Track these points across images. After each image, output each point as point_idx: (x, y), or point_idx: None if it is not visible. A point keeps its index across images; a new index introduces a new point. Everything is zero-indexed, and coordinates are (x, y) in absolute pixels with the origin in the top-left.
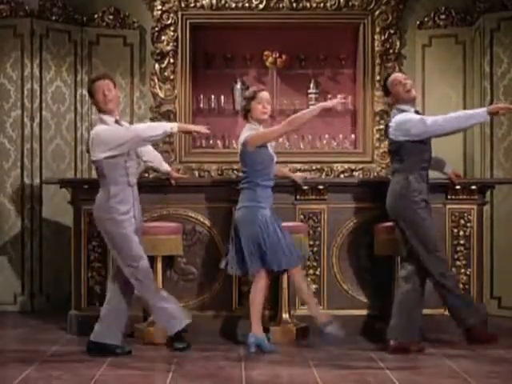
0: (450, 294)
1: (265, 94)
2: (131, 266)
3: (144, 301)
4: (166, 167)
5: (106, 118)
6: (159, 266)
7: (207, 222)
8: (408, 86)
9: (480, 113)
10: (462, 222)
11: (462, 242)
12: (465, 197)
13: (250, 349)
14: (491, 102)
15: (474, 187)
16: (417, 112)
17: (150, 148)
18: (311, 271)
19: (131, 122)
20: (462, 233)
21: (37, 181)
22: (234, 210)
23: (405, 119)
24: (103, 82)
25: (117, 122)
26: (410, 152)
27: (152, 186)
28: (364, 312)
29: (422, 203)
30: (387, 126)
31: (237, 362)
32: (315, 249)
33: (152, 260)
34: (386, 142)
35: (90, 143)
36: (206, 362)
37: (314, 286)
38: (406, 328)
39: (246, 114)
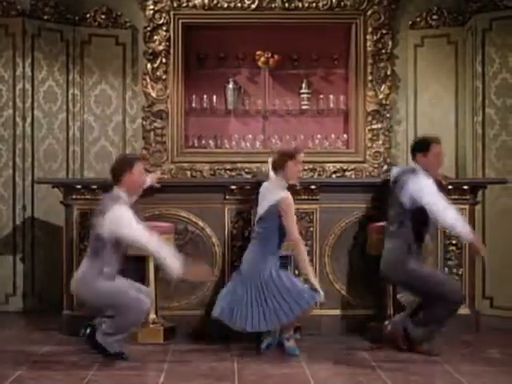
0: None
1: (301, 157)
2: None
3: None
4: (148, 181)
5: (125, 197)
6: (151, 265)
7: (199, 222)
8: (441, 163)
9: (468, 235)
10: None
11: (453, 241)
12: (457, 197)
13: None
14: (483, 102)
15: (465, 187)
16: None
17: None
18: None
19: (123, 122)
20: (453, 232)
21: (29, 180)
22: (226, 209)
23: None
24: (141, 163)
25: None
26: (414, 217)
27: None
28: (356, 312)
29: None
30: (395, 183)
31: (229, 361)
32: (308, 248)
33: (144, 260)
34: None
35: (104, 215)
36: (199, 362)
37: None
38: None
39: (277, 168)
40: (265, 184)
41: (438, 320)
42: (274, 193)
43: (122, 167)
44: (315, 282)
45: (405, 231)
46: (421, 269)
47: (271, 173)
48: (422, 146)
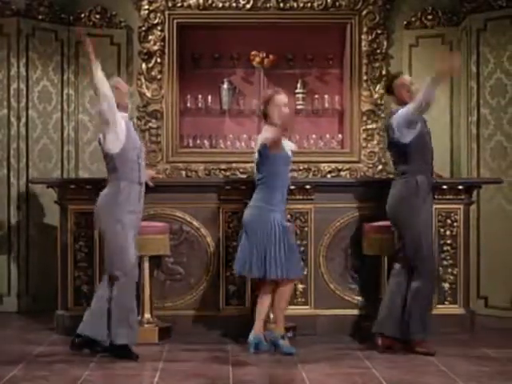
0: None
1: (281, 98)
2: (117, 277)
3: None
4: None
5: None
6: (146, 265)
7: (194, 222)
8: (413, 92)
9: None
10: (449, 221)
11: (448, 241)
12: (451, 196)
13: (251, 349)
14: (478, 102)
15: (460, 187)
16: None
17: None
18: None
19: None
20: (448, 232)
21: (23, 180)
22: (221, 209)
23: (402, 111)
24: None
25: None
26: (415, 152)
27: None
28: (351, 312)
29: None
30: (388, 128)
31: (224, 361)
32: (302, 248)
33: (139, 260)
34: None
35: (102, 136)
36: (194, 362)
37: (301, 286)
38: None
39: (265, 117)
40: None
41: (425, 304)
42: (260, 138)
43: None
44: None
45: (409, 168)
46: (417, 224)
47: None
48: (387, 87)
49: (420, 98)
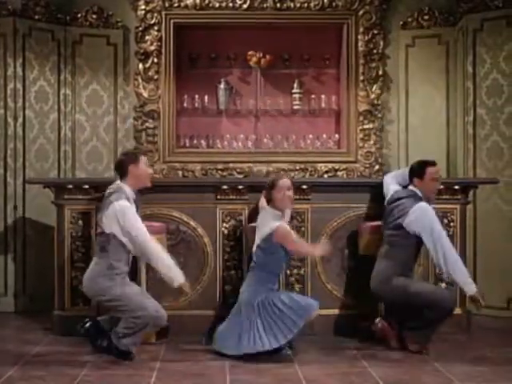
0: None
1: (284, 183)
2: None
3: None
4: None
5: (129, 192)
6: (143, 266)
7: (191, 222)
8: (438, 186)
9: (470, 287)
10: (446, 221)
11: None
12: (448, 196)
13: None
14: (474, 102)
15: (457, 187)
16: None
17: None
18: (295, 271)
19: (115, 122)
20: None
21: (20, 180)
22: (218, 209)
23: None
24: (144, 158)
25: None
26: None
27: None
28: (348, 312)
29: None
30: (394, 204)
31: (221, 361)
32: None
33: (136, 259)
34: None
35: (105, 210)
36: (190, 362)
37: (298, 286)
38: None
39: (268, 201)
40: (261, 213)
41: (432, 325)
42: (268, 223)
43: (127, 160)
44: None
45: (399, 253)
46: (408, 283)
47: (265, 204)
48: (418, 170)
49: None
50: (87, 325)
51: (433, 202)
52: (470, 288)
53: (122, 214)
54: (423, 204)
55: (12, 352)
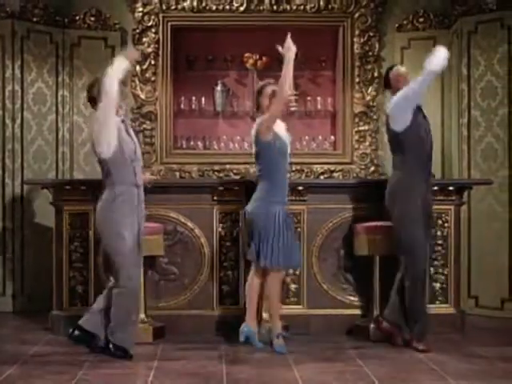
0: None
1: (272, 88)
2: (119, 287)
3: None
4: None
5: None
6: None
7: (188, 223)
8: (408, 81)
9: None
10: (440, 222)
11: (439, 241)
12: (442, 197)
13: (240, 337)
14: (468, 104)
15: (451, 188)
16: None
17: None
18: (291, 271)
19: None
20: (439, 233)
21: (18, 181)
22: (214, 210)
23: (394, 98)
24: None
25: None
26: (409, 144)
27: None
28: (344, 311)
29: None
30: (386, 117)
31: (218, 360)
32: None
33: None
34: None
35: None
36: (188, 361)
37: (293, 286)
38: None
39: (258, 108)
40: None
41: (419, 306)
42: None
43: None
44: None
45: (406, 160)
46: (410, 221)
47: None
48: (384, 80)
49: (411, 84)
50: (75, 333)
51: None
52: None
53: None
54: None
55: (10, 351)
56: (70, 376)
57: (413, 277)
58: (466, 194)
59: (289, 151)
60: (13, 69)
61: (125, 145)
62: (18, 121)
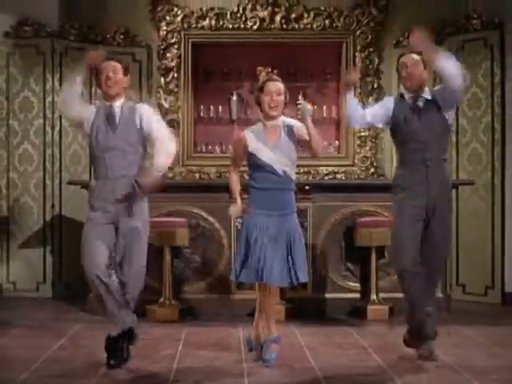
0: None
1: (273, 85)
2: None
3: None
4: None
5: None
6: (167, 255)
7: (209, 218)
8: (406, 73)
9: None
10: None
11: None
12: None
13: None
14: (457, 113)
15: None
16: (413, 98)
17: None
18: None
19: None
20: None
21: (57, 182)
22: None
23: None
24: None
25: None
26: (395, 141)
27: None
28: (345, 295)
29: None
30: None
31: (235, 334)
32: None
33: (161, 250)
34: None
35: None
36: (209, 335)
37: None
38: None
39: (259, 107)
40: None
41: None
42: None
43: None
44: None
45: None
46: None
47: None
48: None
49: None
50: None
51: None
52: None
53: None
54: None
55: (58, 328)
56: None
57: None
58: (454, 193)
59: (273, 169)
60: (52, 82)
61: (96, 136)
62: (57, 128)
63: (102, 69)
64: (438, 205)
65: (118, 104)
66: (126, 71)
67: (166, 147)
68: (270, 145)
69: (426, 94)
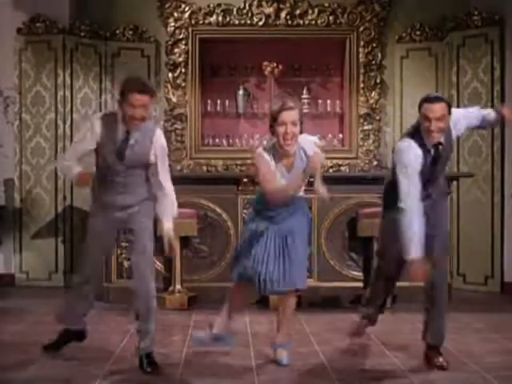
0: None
1: (288, 115)
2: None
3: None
4: (166, 226)
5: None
6: (177, 245)
7: (217, 209)
8: (432, 128)
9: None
10: None
11: None
12: None
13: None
14: (457, 107)
15: None
16: (434, 150)
17: (171, 196)
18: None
19: None
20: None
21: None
22: (239, 198)
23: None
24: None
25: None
26: None
27: (171, 178)
28: (348, 284)
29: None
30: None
31: (242, 320)
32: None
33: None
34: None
35: None
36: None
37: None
38: None
39: (273, 134)
40: None
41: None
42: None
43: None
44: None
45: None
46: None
47: None
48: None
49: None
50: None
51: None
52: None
53: None
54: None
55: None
56: (124, 328)
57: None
58: (455, 185)
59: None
60: (64, 77)
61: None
62: (68, 122)
63: (130, 104)
64: None
65: (134, 132)
66: (153, 96)
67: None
68: (283, 171)
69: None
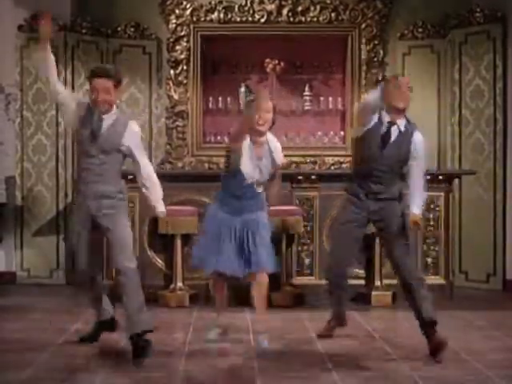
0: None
1: (263, 104)
2: None
3: None
4: (159, 209)
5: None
6: (178, 242)
7: None
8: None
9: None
10: (432, 206)
11: (431, 223)
12: (434, 185)
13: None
14: (460, 105)
15: (441, 177)
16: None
17: (154, 179)
18: (305, 247)
19: (149, 121)
20: (431, 215)
21: (69, 172)
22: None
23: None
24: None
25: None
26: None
27: (172, 175)
28: (349, 281)
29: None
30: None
31: (243, 318)
32: (309, 228)
33: (172, 238)
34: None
35: None
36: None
37: (307, 260)
38: None
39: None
40: None
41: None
42: None
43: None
44: None
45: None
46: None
47: None
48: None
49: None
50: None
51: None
52: None
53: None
54: None
55: (73, 313)
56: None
57: None
58: (457, 182)
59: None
60: (65, 74)
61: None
62: None
63: (92, 88)
64: None
65: (107, 119)
66: (118, 83)
67: (156, 185)
68: (254, 159)
69: (402, 124)
